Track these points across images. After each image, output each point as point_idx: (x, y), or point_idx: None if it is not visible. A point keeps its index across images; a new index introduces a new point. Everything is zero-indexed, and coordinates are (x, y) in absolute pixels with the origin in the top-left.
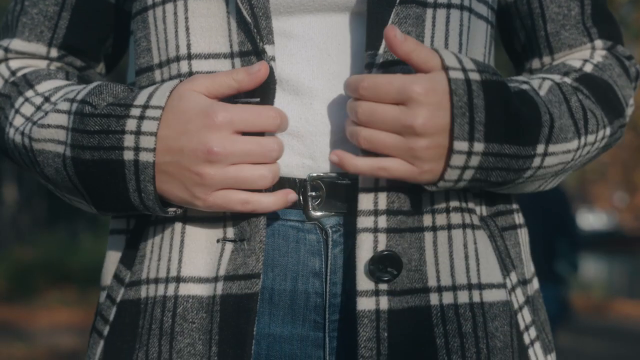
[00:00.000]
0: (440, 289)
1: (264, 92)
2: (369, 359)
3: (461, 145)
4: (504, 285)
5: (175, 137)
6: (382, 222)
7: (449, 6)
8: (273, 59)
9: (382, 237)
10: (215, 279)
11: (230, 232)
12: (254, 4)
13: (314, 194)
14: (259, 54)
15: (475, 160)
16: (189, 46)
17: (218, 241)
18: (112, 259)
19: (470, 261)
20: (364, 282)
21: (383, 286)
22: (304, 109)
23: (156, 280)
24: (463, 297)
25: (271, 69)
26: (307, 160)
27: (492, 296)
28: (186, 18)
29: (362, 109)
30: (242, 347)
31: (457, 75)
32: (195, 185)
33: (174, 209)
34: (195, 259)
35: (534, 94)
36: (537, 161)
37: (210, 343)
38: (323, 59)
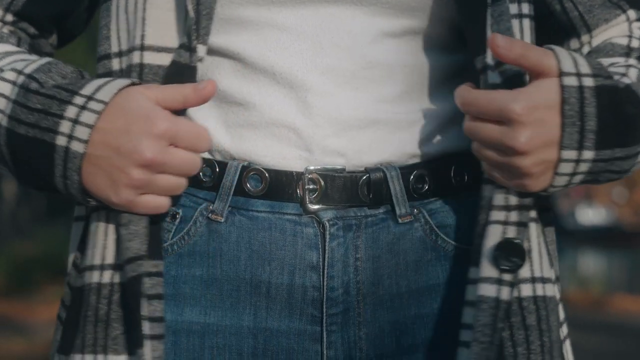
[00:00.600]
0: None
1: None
2: (484, 345)
3: (569, 154)
4: (554, 281)
5: (116, 134)
6: (514, 216)
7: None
8: (201, 59)
9: (512, 229)
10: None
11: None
12: (201, 2)
13: (311, 187)
14: (191, 51)
15: (584, 167)
16: (143, 37)
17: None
18: (73, 246)
19: (533, 254)
20: (488, 270)
21: (507, 277)
22: (299, 102)
23: (92, 267)
24: (527, 290)
25: (195, 68)
26: (304, 152)
27: (549, 290)
28: (144, 9)
29: (466, 126)
30: (132, 330)
31: (571, 82)
32: (124, 185)
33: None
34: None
35: (635, 87)
36: None
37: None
38: (316, 52)
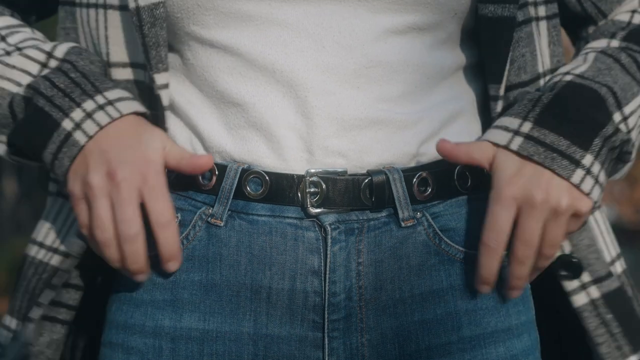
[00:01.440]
0: None
1: (153, 118)
2: (605, 343)
3: (577, 176)
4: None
5: (118, 152)
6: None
7: (547, 18)
8: (162, 87)
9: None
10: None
11: None
12: (146, 34)
13: (312, 190)
14: (151, 81)
15: (596, 167)
16: (108, 55)
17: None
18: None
19: (605, 236)
20: (567, 284)
21: (587, 277)
22: (299, 101)
23: (41, 245)
24: (618, 267)
25: (159, 97)
26: (305, 153)
27: (623, 263)
28: (106, 27)
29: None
30: (29, 305)
31: (517, 141)
32: (81, 180)
33: None
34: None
35: (577, 80)
36: (623, 128)
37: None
38: (318, 51)
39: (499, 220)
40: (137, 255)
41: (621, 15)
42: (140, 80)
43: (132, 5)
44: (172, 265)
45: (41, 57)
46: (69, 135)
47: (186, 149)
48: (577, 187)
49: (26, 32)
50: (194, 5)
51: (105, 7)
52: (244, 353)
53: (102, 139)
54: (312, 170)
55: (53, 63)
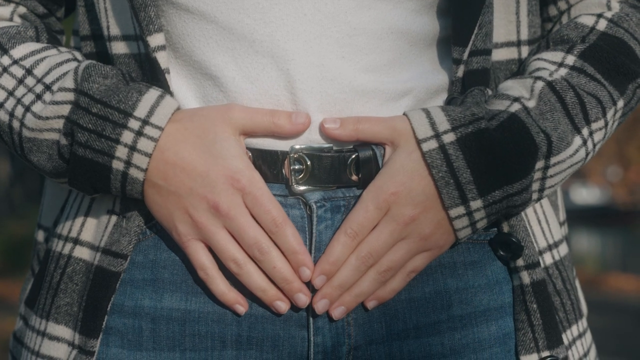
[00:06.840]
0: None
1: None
2: (522, 331)
3: (457, 211)
4: (564, 237)
5: (190, 175)
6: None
7: None
8: (158, 49)
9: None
10: (97, 249)
11: (118, 205)
12: None
13: (296, 167)
14: (145, 44)
15: (480, 214)
16: (108, 27)
17: (108, 212)
18: (53, 203)
19: (542, 224)
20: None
21: (520, 262)
22: (281, 73)
23: (59, 236)
24: (548, 258)
25: (156, 60)
26: None
27: (563, 250)
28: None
29: (363, 255)
30: (93, 320)
31: (430, 146)
32: (183, 222)
33: None
34: (93, 225)
35: (523, 115)
36: (543, 176)
37: (80, 308)
38: (298, 19)
39: (368, 217)
40: (284, 272)
41: (585, 17)
42: (139, 52)
43: None
44: (307, 259)
45: (64, 97)
46: (125, 174)
47: (265, 111)
48: (450, 220)
49: (50, 57)
50: None
51: None
52: (227, 334)
53: (174, 175)
54: (297, 147)
55: (69, 96)
